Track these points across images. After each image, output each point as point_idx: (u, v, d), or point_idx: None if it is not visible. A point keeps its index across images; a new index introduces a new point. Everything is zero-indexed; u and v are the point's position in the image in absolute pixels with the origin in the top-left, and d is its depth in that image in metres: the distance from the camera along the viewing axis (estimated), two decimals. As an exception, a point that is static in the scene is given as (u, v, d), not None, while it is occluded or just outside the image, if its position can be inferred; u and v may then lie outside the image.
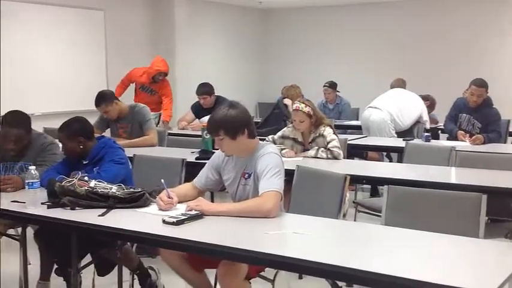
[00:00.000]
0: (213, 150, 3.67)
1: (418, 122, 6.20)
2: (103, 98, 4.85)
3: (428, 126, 6.17)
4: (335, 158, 4.20)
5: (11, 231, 3.58)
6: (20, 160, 3.41)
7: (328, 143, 4.24)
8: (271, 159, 2.74)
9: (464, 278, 1.86)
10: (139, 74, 6.60)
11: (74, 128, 3.25)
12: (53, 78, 7.06)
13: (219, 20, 9.68)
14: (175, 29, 8.42)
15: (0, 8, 6.26)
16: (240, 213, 2.59)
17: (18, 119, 3.43)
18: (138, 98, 6.44)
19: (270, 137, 4.54)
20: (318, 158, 4.21)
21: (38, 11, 6.87)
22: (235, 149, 2.82)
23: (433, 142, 5.21)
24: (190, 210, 2.60)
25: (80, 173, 2.93)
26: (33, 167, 2.83)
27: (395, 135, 6.00)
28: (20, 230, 3.47)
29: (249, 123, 2.82)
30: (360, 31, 9.76)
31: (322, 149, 4.25)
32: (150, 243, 2.77)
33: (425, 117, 6.21)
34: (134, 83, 6.70)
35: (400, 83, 6.60)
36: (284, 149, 4.33)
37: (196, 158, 4.22)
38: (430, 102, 6.76)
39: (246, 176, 2.83)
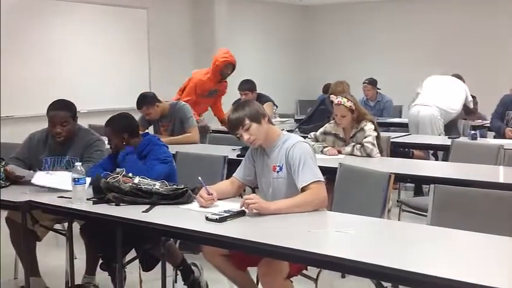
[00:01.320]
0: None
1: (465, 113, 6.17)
2: (144, 101, 4.91)
3: (472, 105, 6.21)
4: (368, 155, 4.11)
5: (57, 226, 3.66)
6: (67, 153, 3.49)
7: (364, 137, 4.17)
8: (303, 149, 2.75)
9: (515, 280, 1.80)
10: (204, 79, 5.72)
11: (120, 123, 3.31)
12: (97, 77, 7.21)
13: (259, 17, 9.69)
14: (215, 27, 8.46)
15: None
16: (297, 208, 2.61)
17: (63, 103, 3.52)
18: (201, 108, 5.81)
19: (312, 133, 4.51)
20: (353, 155, 4.15)
21: (81, 9, 7.02)
22: (262, 136, 2.82)
23: (480, 140, 5.08)
24: (247, 207, 2.56)
25: (124, 169, 2.97)
26: (79, 163, 2.88)
27: (444, 132, 5.89)
28: (66, 225, 3.54)
29: (265, 112, 2.89)
30: (403, 27, 9.60)
31: (357, 146, 4.18)
32: (193, 240, 2.78)
33: (469, 97, 6.14)
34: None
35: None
36: (326, 146, 4.29)
37: (238, 155, 4.23)
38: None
39: (278, 169, 2.82)
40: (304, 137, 3.05)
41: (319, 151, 4.25)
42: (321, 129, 4.47)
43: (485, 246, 2.19)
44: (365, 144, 4.13)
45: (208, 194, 2.74)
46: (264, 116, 2.83)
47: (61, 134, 3.46)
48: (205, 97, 5.78)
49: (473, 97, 6.61)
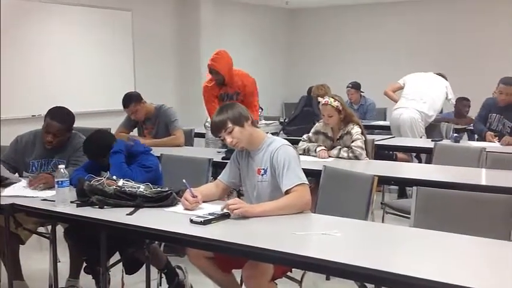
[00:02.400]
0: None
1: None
2: (130, 99, 4.91)
3: (454, 101, 6.28)
4: (356, 157, 4.16)
5: (41, 229, 3.64)
6: (55, 156, 3.49)
7: (352, 141, 4.21)
8: (287, 152, 2.77)
9: (494, 281, 1.83)
10: (208, 85, 5.18)
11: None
12: (81, 78, 7.16)
13: (244, 20, 9.70)
14: (201, 30, 8.45)
15: None
16: (282, 210, 2.62)
17: (62, 115, 3.52)
18: None
19: (305, 136, 4.53)
20: (339, 158, 4.19)
21: (66, 11, 6.96)
22: (246, 138, 2.83)
23: (462, 143, 5.14)
24: (230, 210, 2.57)
25: (109, 172, 2.96)
26: (63, 166, 2.86)
27: (426, 135, 5.95)
28: (50, 228, 3.52)
29: (248, 114, 2.88)
30: (388, 30, 9.67)
31: (345, 149, 4.23)
32: (178, 243, 2.78)
33: (450, 95, 6.18)
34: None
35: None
36: (320, 145, 4.33)
37: (223, 158, 4.23)
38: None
39: (262, 172, 2.83)
40: (289, 139, 3.03)
41: (313, 150, 4.32)
42: (313, 129, 4.51)
43: (468, 248, 2.22)
44: (353, 147, 4.17)
45: (193, 197, 2.74)
46: (247, 119, 2.84)
47: (51, 143, 3.47)
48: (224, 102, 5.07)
49: (466, 99, 6.69)
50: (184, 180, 2.78)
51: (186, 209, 2.72)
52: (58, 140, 3.47)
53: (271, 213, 2.60)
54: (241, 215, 2.55)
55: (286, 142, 2.87)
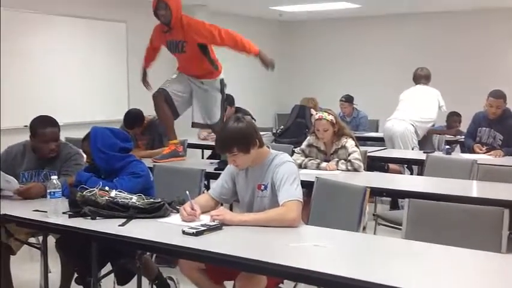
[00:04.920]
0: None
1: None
2: (136, 122, 4.97)
3: (445, 109, 6.23)
4: (355, 170, 4.18)
5: (32, 240, 3.62)
6: (45, 168, 3.46)
7: (349, 154, 4.22)
8: (288, 168, 2.75)
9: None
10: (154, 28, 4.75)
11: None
12: (75, 89, 7.17)
13: (238, 31, 9.68)
14: (195, 41, 8.44)
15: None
16: (264, 223, 2.60)
17: (53, 120, 3.50)
18: (180, 67, 4.81)
19: (299, 149, 4.50)
20: (338, 170, 4.20)
21: (60, 22, 6.98)
22: (249, 162, 2.83)
23: (454, 155, 5.17)
24: (213, 220, 2.60)
25: (101, 182, 2.95)
26: (55, 177, 2.85)
27: (418, 146, 5.98)
28: (41, 238, 3.50)
29: (257, 132, 2.83)
30: (379, 43, 9.76)
31: (342, 161, 4.24)
32: (169, 254, 2.77)
33: (442, 102, 6.18)
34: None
35: (422, 76, 6.46)
36: (320, 163, 4.28)
37: (215, 169, 4.24)
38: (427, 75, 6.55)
39: (263, 187, 2.82)
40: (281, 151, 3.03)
41: (313, 167, 4.26)
42: (305, 142, 4.49)
43: (459, 260, 2.22)
44: (352, 160, 4.19)
45: (192, 209, 2.72)
46: (255, 143, 2.77)
47: (54, 150, 3.44)
48: (173, 51, 4.71)
49: (457, 115, 6.75)
50: (187, 192, 2.78)
51: (183, 220, 2.71)
52: (57, 145, 3.46)
53: (253, 224, 2.60)
54: (221, 222, 2.58)
55: (289, 158, 2.85)
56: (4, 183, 3.22)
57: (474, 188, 3.78)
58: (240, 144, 2.73)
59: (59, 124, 3.54)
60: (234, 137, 2.74)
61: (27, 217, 2.85)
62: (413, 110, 6.11)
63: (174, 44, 4.60)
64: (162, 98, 4.66)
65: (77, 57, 7.18)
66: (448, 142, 6.05)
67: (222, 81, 4.77)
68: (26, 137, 3.55)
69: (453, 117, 6.79)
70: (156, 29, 4.73)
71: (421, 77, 6.34)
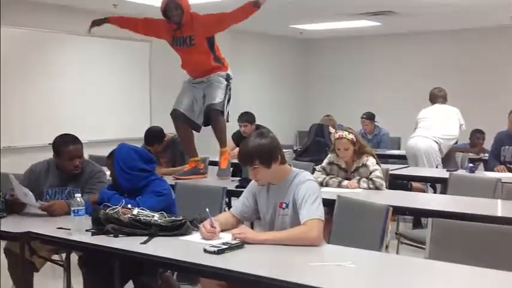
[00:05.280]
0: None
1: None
2: (155, 139, 5.01)
3: (464, 127, 6.16)
4: (377, 188, 4.15)
5: (55, 257, 3.65)
6: (69, 185, 3.51)
7: (370, 172, 4.20)
8: (309, 186, 2.75)
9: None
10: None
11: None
12: (98, 107, 7.28)
13: (260, 49, 9.82)
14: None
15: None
16: (285, 241, 2.59)
17: (74, 138, 3.56)
18: (184, 64, 4.79)
19: (320, 167, 4.48)
20: (359, 188, 4.17)
21: (85, 42, 7.10)
22: (270, 177, 2.83)
23: (478, 173, 5.10)
24: (234, 238, 2.60)
25: (124, 200, 2.97)
26: (79, 195, 2.89)
27: (442, 164, 5.92)
28: (64, 255, 3.53)
29: (280, 149, 2.84)
30: (400, 60, 9.74)
31: (364, 179, 4.21)
32: (191, 272, 2.77)
33: (462, 121, 6.12)
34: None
35: (439, 96, 6.43)
36: (342, 181, 4.26)
37: (237, 186, 4.24)
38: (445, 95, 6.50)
39: (284, 206, 2.82)
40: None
41: (334, 186, 4.24)
42: (326, 160, 4.47)
43: (484, 281, 2.18)
44: (374, 179, 4.16)
45: (212, 227, 2.73)
46: (277, 159, 2.78)
47: (79, 167, 3.50)
48: (178, 45, 4.69)
49: (480, 132, 6.68)
50: (207, 210, 2.78)
51: (203, 238, 2.71)
52: (81, 162, 3.52)
53: (274, 243, 2.60)
54: (243, 240, 2.58)
55: (311, 177, 2.85)
56: (22, 196, 3.27)
57: (499, 207, 3.72)
58: (262, 158, 2.74)
59: (82, 142, 3.60)
60: (256, 150, 2.75)
61: (51, 234, 2.88)
62: (436, 127, 6.07)
63: (181, 39, 4.62)
64: (177, 118, 4.74)
65: (100, 76, 7.30)
66: (471, 160, 5.98)
67: (228, 74, 4.77)
68: (50, 154, 3.60)
69: (476, 135, 6.72)
70: (163, 22, 4.65)
71: (438, 97, 6.31)
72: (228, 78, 4.76)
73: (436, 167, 5.88)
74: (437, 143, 5.98)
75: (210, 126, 4.76)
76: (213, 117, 4.63)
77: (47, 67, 6.74)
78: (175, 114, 4.74)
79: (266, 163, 2.76)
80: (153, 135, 5.04)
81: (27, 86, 6.53)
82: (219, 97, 4.63)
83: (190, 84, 4.83)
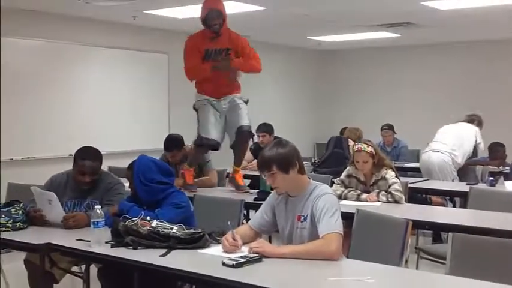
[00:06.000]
0: (271, 191, 3.68)
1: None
2: (175, 145, 5.01)
3: (483, 147, 6.11)
4: (396, 201, 4.12)
5: (74, 269, 3.67)
6: (87, 197, 3.53)
7: (390, 185, 4.17)
8: (328, 200, 2.73)
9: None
10: (192, 35, 4.75)
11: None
12: (118, 119, 7.34)
13: (277, 61, 9.83)
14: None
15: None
16: (304, 255, 2.58)
17: (92, 153, 3.57)
18: (208, 79, 4.70)
19: (338, 179, 4.46)
20: (378, 201, 4.15)
21: (103, 54, 7.21)
22: (288, 185, 2.82)
23: (498, 187, 5.03)
24: (252, 252, 2.60)
25: (143, 212, 2.99)
26: (99, 207, 2.92)
27: (458, 177, 5.85)
28: (83, 267, 3.55)
29: (299, 157, 2.84)
30: (419, 72, 9.69)
31: (383, 192, 4.18)
32: (209, 285, 2.76)
33: (479, 140, 6.07)
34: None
35: (469, 119, 6.40)
36: (360, 194, 4.24)
37: (255, 199, 4.25)
38: (477, 121, 6.48)
39: (302, 219, 2.80)
40: (320, 181, 3.01)
41: (353, 199, 4.22)
42: (344, 173, 4.45)
43: (506, 298, 2.15)
44: (393, 192, 4.14)
45: (234, 240, 2.72)
46: (294, 165, 2.78)
47: (88, 183, 3.52)
48: (210, 59, 4.64)
49: (501, 145, 6.59)
50: (229, 222, 2.78)
51: (224, 250, 2.71)
52: (94, 179, 3.53)
53: (292, 257, 2.59)
54: (261, 254, 2.58)
55: (330, 190, 2.84)
56: (46, 205, 3.30)
57: (521, 222, 3.66)
58: (280, 163, 2.74)
59: (102, 153, 3.62)
60: (275, 155, 2.76)
61: (71, 246, 2.90)
62: (448, 141, 6.02)
63: (216, 51, 4.59)
64: (210, 147, 4.75)
65: (120, 87, 7.37)
66: (491, 173, 5.90)
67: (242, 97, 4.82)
68: (70, 166, 3.63)
69: (496, 148, 6.63)
70: (194, 39, 4.68)
71: (465, 119, 6.27)
72: (246, 101, 4.82)
73: (452, 181, 5.82)
74: (450, 156, 5.92)
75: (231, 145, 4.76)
76: (245, 138, 4.68)
77: (68, 78, 6.83)
78: (209, 144, 4.65)
79: (284, 169, 2.75)
80: (173, 141, 5.05)
81: (47, 97, 6.61)
82: (248, 118, 4.68)
83: (209, 104, 4.74)
